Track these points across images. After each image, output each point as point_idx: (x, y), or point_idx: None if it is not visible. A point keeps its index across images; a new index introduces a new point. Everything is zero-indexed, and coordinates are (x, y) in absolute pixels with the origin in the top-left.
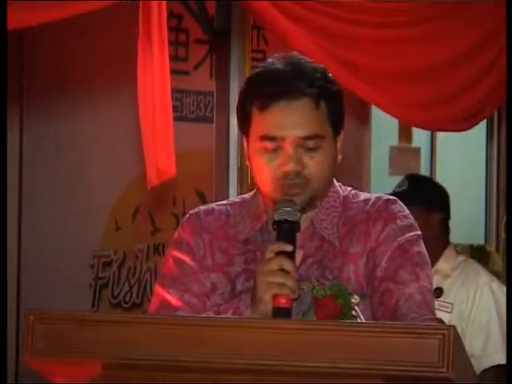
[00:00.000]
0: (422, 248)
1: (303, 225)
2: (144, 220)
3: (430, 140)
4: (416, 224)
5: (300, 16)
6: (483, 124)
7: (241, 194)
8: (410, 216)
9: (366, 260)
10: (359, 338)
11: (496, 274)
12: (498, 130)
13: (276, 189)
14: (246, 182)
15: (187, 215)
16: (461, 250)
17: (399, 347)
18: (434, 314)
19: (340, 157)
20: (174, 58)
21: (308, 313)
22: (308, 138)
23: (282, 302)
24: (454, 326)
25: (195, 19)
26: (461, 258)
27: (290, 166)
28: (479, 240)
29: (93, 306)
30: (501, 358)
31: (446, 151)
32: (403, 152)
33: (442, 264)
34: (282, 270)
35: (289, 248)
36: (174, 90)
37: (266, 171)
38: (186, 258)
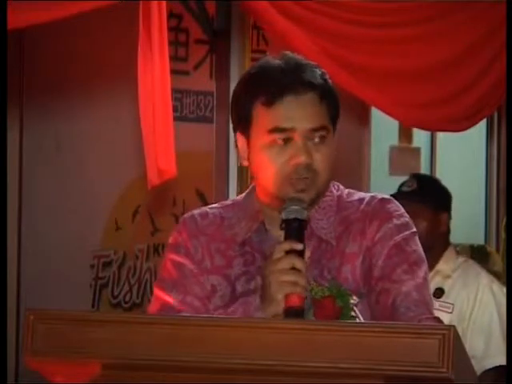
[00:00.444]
0: (418, 245)
1: None
2: (144, 220)
3: (430, 140)
4: (411, 222)
5: (299, 16)
6: (483, 124)
7: (241, 194)
8: (406, 214)
9: (363, 259)
10: (359, 337)
11: (496, 274)
12: (498, 130)
13: (284, 184)
14: (246, 182)
15: (182, 219)
16: (461, 250)
17: (399, 347)
18: (432, 312)
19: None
20: (173, 58)
21: (307, 314)
22: (316, 129)
23: (295, 301)
24: (454, 326)
25: (195, 19)
26: (461, 259)
27: (302, 159)
28: (479, 240)
29: (93, 305)
30: (502, 359)
31: (446, 151)
32: (403, 152)
33: (443, 265)
34: (294, 268)
35: (299, 246)
36: (174, 90)
37: (274, 167)
38: (185, 261)
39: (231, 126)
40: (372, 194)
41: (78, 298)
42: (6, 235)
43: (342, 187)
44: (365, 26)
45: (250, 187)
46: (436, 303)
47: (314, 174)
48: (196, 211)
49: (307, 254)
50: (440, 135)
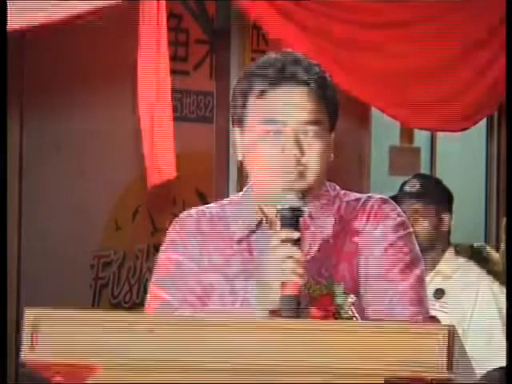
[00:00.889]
0: (415, 245)
1: None
2: (144, 220)
3: (430, 140)
4: (408, 221)
5: (298, 16)
6: (483, 124)
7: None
8: (402, 214)
9: (359, 259)
10: (359, 337)
11: (496, 274)
12: (498, 130)
13: (275, 176)
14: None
15: (178, 217)
16: (461, 250)
17: (399, 347)
18: (428, 312)
19: (332, 157)
20: (173, 58)
21: (304, 312)
22: (309, 122)
23: (292, 288)
24: (453, 326)
25: (195, 19)
26: (461, 260)
27: (291, 151)
28: (479, 240)
29: (93, 305)
30: (504, 360)
31: (446, 151)
32: (403, 152)
33: (443, 265)
34: (291, 257)
35: (295, 235)
36: (174, 90)
37: (265, 158)
38: (183, 259)
39: (231, 125)
40: (369, 194)
41: (78, 298)
42: (6, 235)
43: (338, 188)
44: (364, 27)
45: (248, 186)
46: (436, 304)
47: (305, 167)
48: (193, 210)
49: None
50: (440, 135)
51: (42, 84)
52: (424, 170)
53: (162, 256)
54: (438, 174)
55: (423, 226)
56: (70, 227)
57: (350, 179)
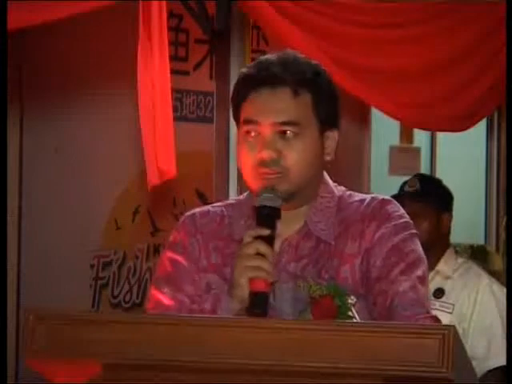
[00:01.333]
0: (418, 246)
1: (297, 225)
2: (144, 220)
3: (430, 140)
4: (411, 222)
5: (298, 16)
6: (483, 124)
7: (241, 194)
8: (405, 215)
9: (362, 260)
10: (359, 337)
11: (496, 274)
12: (498, 130)
13: (255, 177)
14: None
15: (182, 217)
16: (461, 250)
17: (399, 347)
18: (429, 312)
19: (329, 158)
20: (173, 58)
21: (304, 312)
22: (284, 123)
23: (259, 285)
24: (454, 326)
25: (195, 19)
26: (461, 260)
27: (266, 153)
28: (479, 240)
29: (93, 305)
30: (504, 360)
31: (446, 151)
32: (403, 152)
33: (443, 265)
34: (258, 254)
35: (265, 232)
36: (174, 90)
37: (248, 160)
38: (181, 259)
39: (231, 125)
40: (373, 195)
41: (78, 297)
42: (6, 235)
43: (343, 188)
44: (364, 26)
45: None
46: (436, 303)
47: (284, 169)
48: (197, 209)
49: (304, 252)
50: (440, 135)
51: (42, 84)
52: (424, 170)
53: (162, 256)
54: (438, 174)
55: (422, 226)
56: (70, 227)
57: (349, 179)
